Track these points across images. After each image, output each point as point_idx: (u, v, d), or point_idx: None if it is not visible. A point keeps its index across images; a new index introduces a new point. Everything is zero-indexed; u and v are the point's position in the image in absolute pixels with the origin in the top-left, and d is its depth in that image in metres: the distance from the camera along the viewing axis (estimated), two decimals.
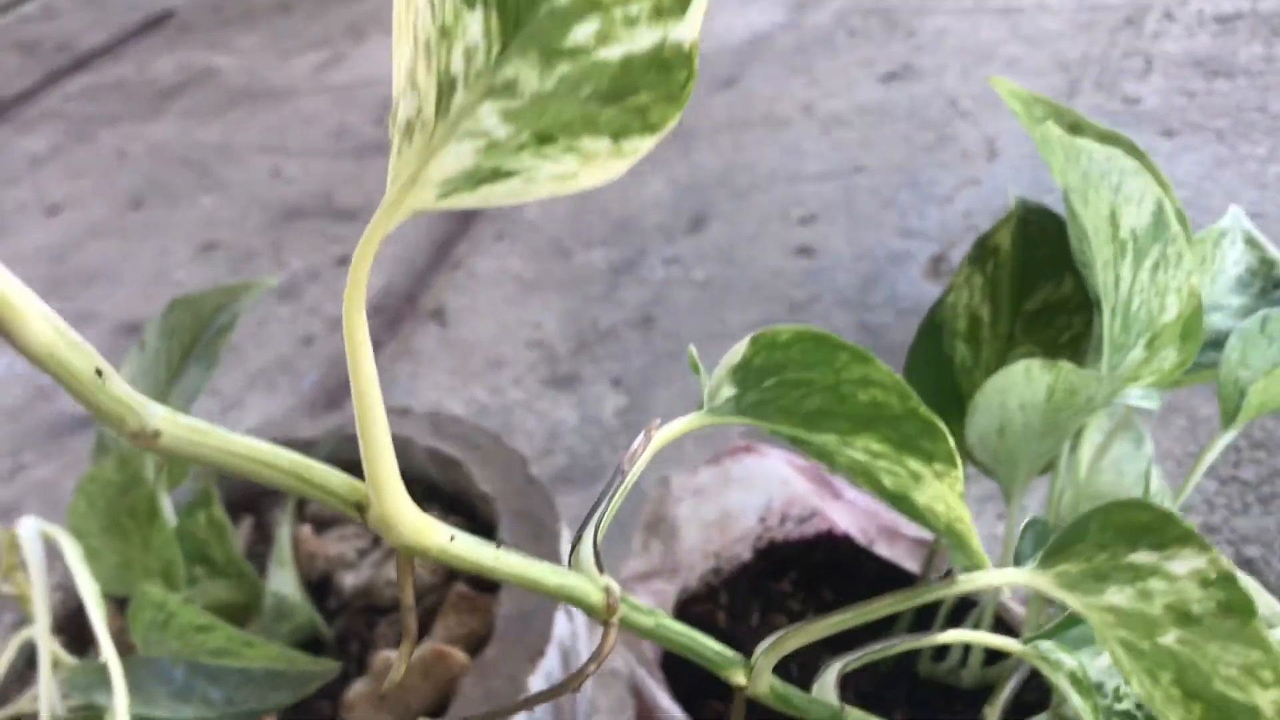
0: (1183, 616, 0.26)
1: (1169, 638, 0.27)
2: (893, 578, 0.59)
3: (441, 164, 0.21)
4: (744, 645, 0.58)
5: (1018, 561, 0.30)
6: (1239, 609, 0.26)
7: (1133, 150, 0.46)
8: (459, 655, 0.56)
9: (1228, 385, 0.46)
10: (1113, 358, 0.43)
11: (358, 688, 0.56)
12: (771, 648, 0.31)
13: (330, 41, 2.05)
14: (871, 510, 0.60)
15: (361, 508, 0.24)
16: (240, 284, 0.59)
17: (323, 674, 0.48)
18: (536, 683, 0.54)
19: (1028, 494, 0.48)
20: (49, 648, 0.50)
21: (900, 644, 0.33)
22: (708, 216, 1.21)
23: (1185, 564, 0.27)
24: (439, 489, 0.69)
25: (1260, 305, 0.53)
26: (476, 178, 0.21)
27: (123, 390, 0.21)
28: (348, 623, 0.63)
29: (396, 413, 0.72)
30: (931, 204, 1.11)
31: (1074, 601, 0.28)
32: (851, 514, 0.60)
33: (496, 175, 0.21)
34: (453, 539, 0.25)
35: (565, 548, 0.60)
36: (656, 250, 1.18)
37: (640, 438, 0.28)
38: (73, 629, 0.65)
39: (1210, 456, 0.47)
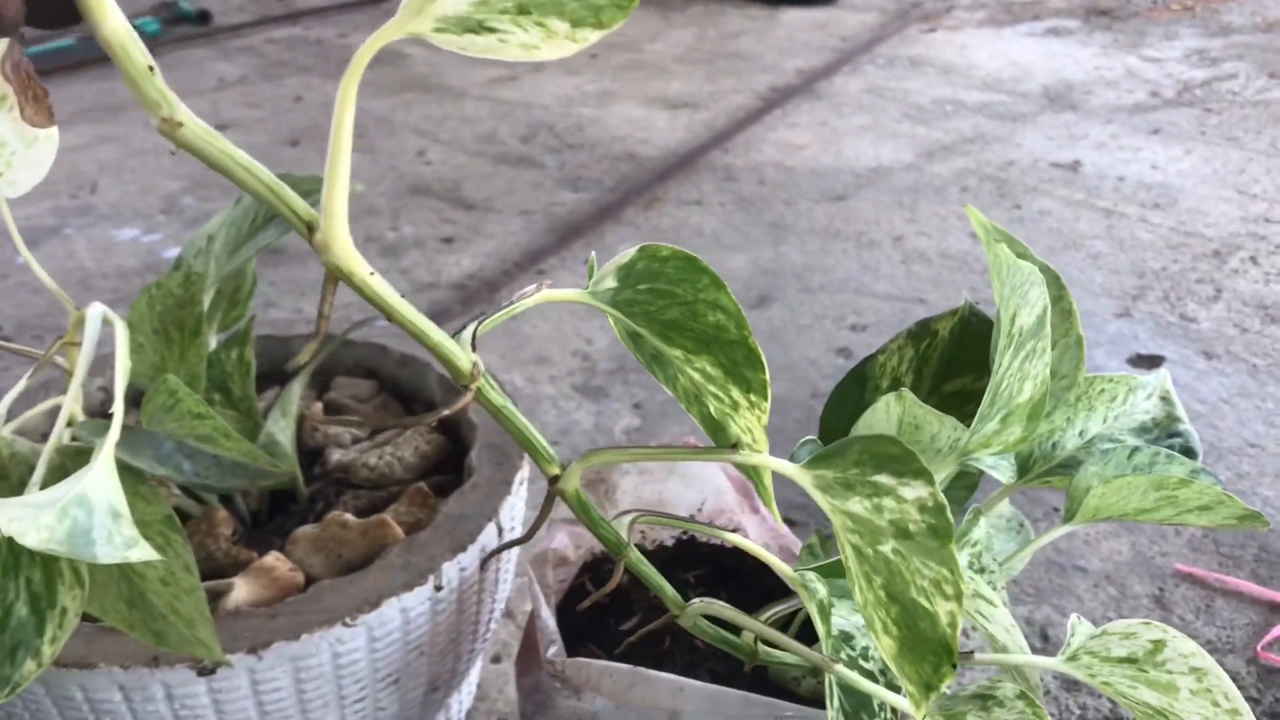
0: (902, 531, 0.34)
1: (888, 547, 0.34)
2: (777, 589, 0.67)
3: (444, 4, 0.30)
4: (634, 608, 0.66)
5: (793, 460, 0.37)
6: (942, 533, 0.33)
7: (1055, 280, 0.54)
8: (396, 529, 0.65)
9: (1077, 488, 0.53)
10: (976, 425, 0.50)
11: (306, 529, 0.66)
12: (583, 458, 0.39)
13: (511, 64, 2.22)
14: (776, 530, 0.68)
15: (311, 229, 0.33)
16: None
17: (277, 475, 0.57)
18: (451, 569, 0.62)
19: None
20: (75, 403, 0.60)
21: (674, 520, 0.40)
22: (772, 299, 1.30)
23: (914, 491, 0.34)
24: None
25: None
26: (465, 24, 0.30)
27: (164, 86, 0.30)
28: (322, 488, 0.72)
29: None
30: None
31: (823, 501, 0.36)
32: (761, 528, 0.68)
33: (480, 28, 0.30)
34: (372, 274, 0.33)
35: (521, 479, 0.69)
36: None
37: (533, 286, 0.37)
38: (99, 417, 0.76)
39: (1043, 541, 0.54)
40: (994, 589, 0.49)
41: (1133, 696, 0.43)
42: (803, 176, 1.63)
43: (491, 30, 0.30)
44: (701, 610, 0.46)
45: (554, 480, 0.40)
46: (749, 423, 0.39)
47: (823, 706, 0.61)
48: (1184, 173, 1.63)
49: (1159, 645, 0.43)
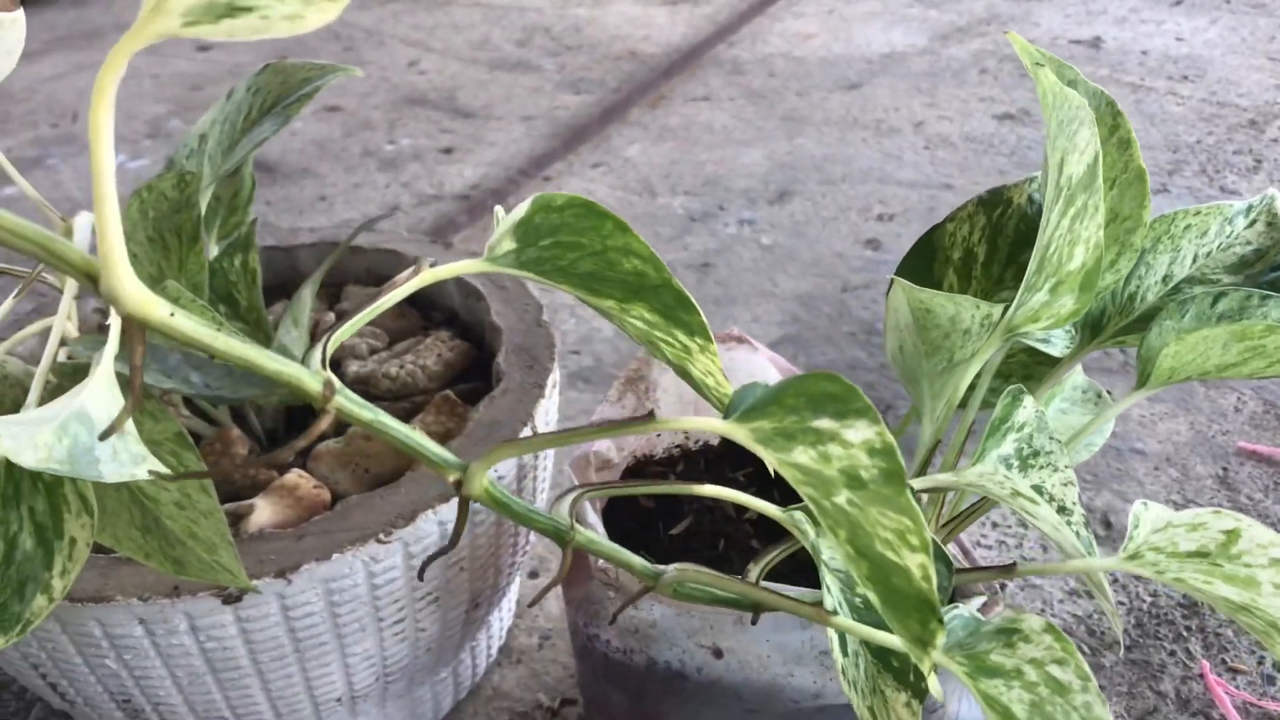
0: (854, 480, 0.29)
1: (841, 498, 0.29)
2: None
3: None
4: (683, 510, 0.61)
5: (727, 415, 0.32)
6: (895, 478, 0.28)
7: (1110, 107, 0.48)
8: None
9: (1150, 348, 0.48)
10: (1023, 296, 0.45)
11: (329, 444, 0.61)
12: (484, 457, 0.34)
13: None
14: None
15: (94, 279, 0.27)
16: (329, 65, 0.64)
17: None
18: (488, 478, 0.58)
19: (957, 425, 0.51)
20: (68, 319, 0.55)
21: (642, 487, 0.36)
22: (793, 193, 1.24)
23: (859, 433, 0.29)
24: (458, 317, 0.74)
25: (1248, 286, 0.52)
26: (216, 11, 0.25)
27: None
28: None
29: (442, 245, 0.77)
30: None
31: (767, 456, 0.30)
32: None
33: (234, 10, 0.25)
34: (173, 315, 0.28)
35: (554, 382, 0.65)
36: (735, 210, 1.22)
37: (409, 271, 0.32)
38: None
39: (1119, 408, 0.49)
40: (1057, 469, 0.44)
41: (1209, 592, 0.39)
42: (814, 66, 1.56)
43: (248, 10, 0.25)
44: (679, 579, 0.41)
45: (458, 486, 0.35)
46: (707, 365, 0.35)
47: None
48: (1211, 43, 1.56)
49: (1233, 536, 0.38)
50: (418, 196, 1.29)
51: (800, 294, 1.07)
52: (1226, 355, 0.45)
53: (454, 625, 0.62)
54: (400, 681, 0.62)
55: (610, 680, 0.57)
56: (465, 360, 0.70)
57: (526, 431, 0.60)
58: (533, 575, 0.79)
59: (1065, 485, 0.43)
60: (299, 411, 0.68)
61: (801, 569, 0.59)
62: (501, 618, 0.72)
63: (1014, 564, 0.45)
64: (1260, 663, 0.68)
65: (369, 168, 1.36)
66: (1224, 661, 0.68)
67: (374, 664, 0.59)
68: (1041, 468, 0.42)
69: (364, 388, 0.68)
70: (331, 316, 0.72)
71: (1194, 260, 0.51)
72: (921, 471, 0.53)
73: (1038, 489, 0.41)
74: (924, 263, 0.55)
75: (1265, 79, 1.44)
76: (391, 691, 0.63)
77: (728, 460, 0.66)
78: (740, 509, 0.63)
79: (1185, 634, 0.71)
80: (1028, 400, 0.43)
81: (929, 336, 0.46)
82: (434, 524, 0.56)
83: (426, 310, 0.75)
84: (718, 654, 0.51)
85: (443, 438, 0.62)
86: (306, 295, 0.65)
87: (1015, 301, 0.45)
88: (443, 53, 1.70)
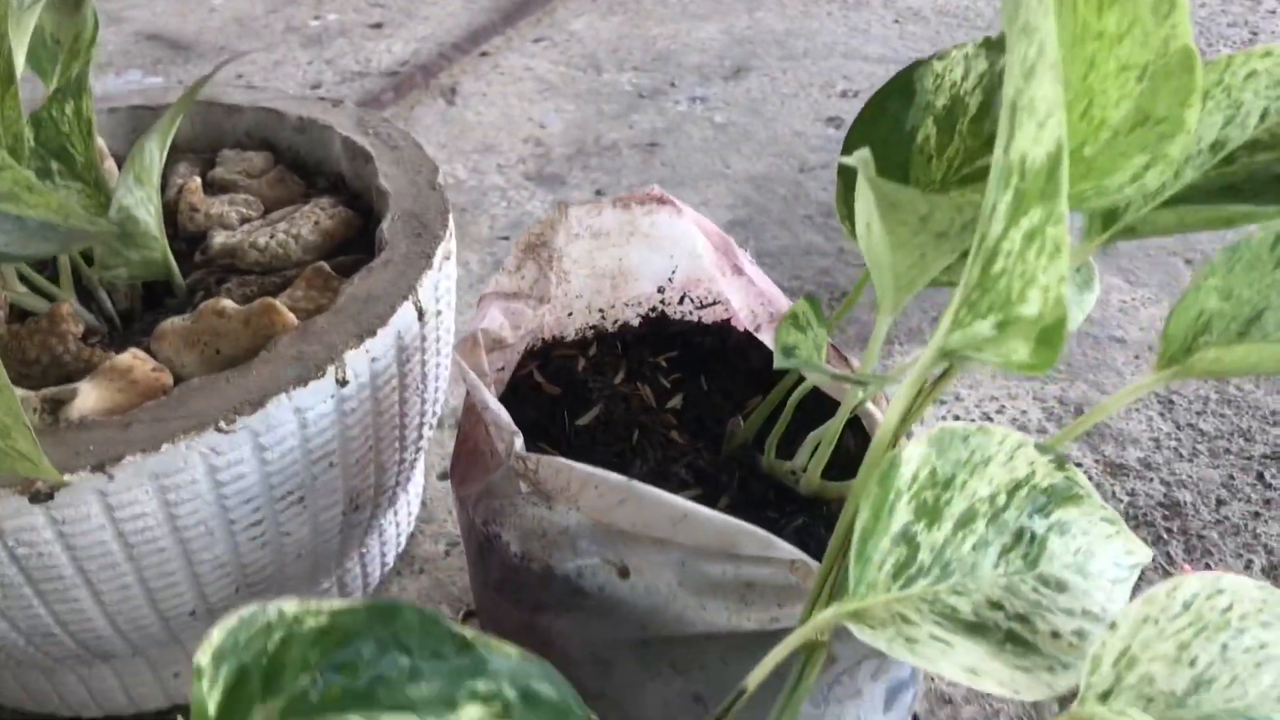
0: None
1: None
2: (767, 370, 0.54)
3: None
4: (592, 398, 0.53)
5: None
6: None
7: None
8: (287, 314, 0.52)
9: (1181, 320, 0.38)
10: (960, 313, 0.32)
11: (174, 321, 0.52)
12: None
13: None
14: (769, 294, 0.54)
15: None
16: None
17: (95, 234, 0.43)
18: (357, 359, 0.49)
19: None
20: None
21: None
22: (750, 69, 1.14)
23: None
24: (345, 183, 0.64)
25: None
26: None
27: None
28: (204, 277, 0.59)
29: (330, 102, 0.68)
30: None
31: None
32: (747, 293, 0.55)
33: None
34: None
35: (447, 253, 0.56)
36: (687, 87, 1.11)
37: None
38: None
39: (1122, 400, 0.40)
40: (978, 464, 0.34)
41: None
42: None
43: None
44: None
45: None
46: None
47: (823, 509, 0.49)
48: None
49: None
50: (342, 74, 1.18)
51: (754, 175, 0.97)
52: None
53: (328, 530, 0.54)
54: (267, 593, 0.54)
55: (503, 591, 0.48)
56: (348, 229, 0.60)
57: (406, 308, 0.52)
58: (443, 477, 0.71)
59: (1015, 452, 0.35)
60: (158, 289, 0.59)
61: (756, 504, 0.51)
62: (398, 522, 0.64)
63: None
64: (1247, 567, 0.61)
65: (291, 44, 1.24)
66: (1208, 565, 0.61)
67: (229, 573, 0.51)
68: (948, 502, 0.34)
69: (230, 261, 0.59)
70: (197, 181, 0.63)
71: (1263, 117, 0.40)
72: (872, 359, 0.44)
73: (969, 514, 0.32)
74: (901, 105, 0.46)
75: None
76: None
77: (648, 343, 0.57)
78: (661, 396, 0.55)
79: (1166, 536, 0.63)
80: (910, 454, 0.33)
81: (896, 232, 0.36)
82: (289, 411, 0.47)
83: (311, 176, 0.66)
84: (624, 573, 0.43)
85: (311, 314, 0.53)
86: (151, 148, 0.55)
87: (949, 316, 0.33)
88: None
